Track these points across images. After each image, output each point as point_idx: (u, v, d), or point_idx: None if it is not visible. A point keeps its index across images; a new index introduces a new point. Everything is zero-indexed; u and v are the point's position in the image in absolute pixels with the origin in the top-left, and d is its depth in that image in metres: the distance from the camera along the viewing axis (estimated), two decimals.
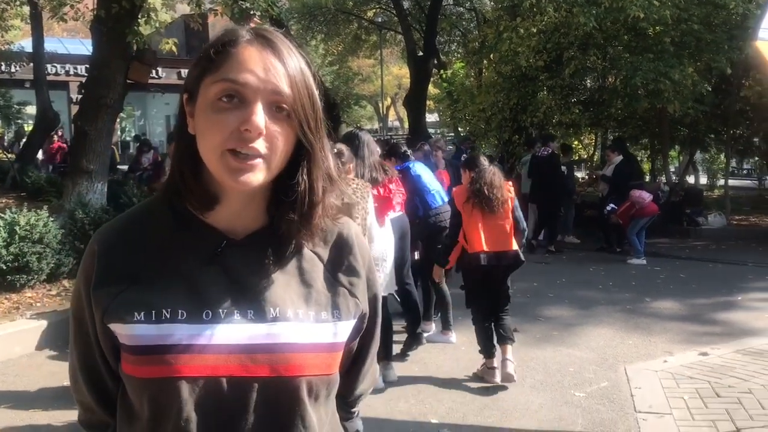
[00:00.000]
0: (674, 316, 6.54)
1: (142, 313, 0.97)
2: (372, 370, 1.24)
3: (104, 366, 1.05)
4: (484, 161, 4.94)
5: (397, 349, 5.03)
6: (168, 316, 0.97)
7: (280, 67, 0.95)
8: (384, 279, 4.52)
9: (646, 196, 9.47)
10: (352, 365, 1.18)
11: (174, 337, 0.96)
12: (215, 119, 0.94)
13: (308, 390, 1.01)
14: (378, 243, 4.48)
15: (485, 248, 4.56)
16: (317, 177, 1.01)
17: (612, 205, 9.85)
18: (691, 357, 5.17)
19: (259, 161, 0.94)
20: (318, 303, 1.04)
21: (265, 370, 0.97)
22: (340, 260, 1.10)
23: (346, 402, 1.22)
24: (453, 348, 5.46)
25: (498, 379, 4.56)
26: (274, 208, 1.03)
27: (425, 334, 5.55)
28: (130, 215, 1.09)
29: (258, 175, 0.95)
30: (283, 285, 1.03)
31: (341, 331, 1.05)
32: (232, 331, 0.98)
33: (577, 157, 20.55)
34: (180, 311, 0.97)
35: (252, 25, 1.08)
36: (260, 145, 0.93)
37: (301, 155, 1.00)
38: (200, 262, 1.01)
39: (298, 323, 1.01)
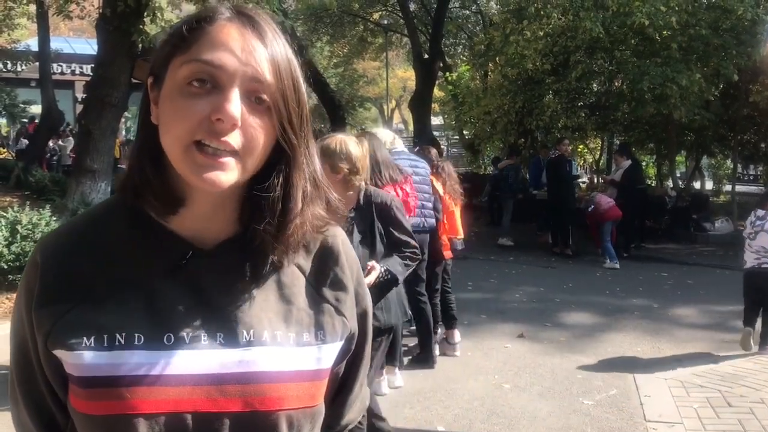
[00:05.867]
0: (683, 323, 6.46)
1: (92, 338, 0.82)
2: (361, 396, 1.07)
3: (51, 397, 0.89)
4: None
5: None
6: (122, 342, 0.82)
7: (263, 51, 0.82)
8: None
9: (605, 202, 9.79)
10: (338, 392, 1.01)
11: (129, 366, 0.81)
12: (182, 105, 0.79)
13: (288, 426, 0.87)
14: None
15: None
16: (297, 183, 0.87)
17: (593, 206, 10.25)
18: (701, 365, 5.09)
19: (230, 159, 0.80)
20: (299, 323, 0.90)
21: (238, 405, 0.83)
22: (325, 273, 0.95)
23: None
24: (461, 354, 5.38)
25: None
26: (247, 216, 0.88)
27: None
28: (80, 220, 0.93)
29: (228, 175, 0.80)
30: (258, 303, 0.88)
31: (326, 355, 0.91)
32: (198, 359, 0.83)
33: (582, 162, 20.53)
34: (137, 335, 0.82)
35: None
36: (234, 138, 0.79)
37: (281, 156, 0.86)
38: (162, 275, 0.86)
39: (277, 347, 0.86)
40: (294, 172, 0.87)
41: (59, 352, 0.84)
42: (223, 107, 0.78)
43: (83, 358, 0.82)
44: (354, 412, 1.06)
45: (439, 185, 5.27)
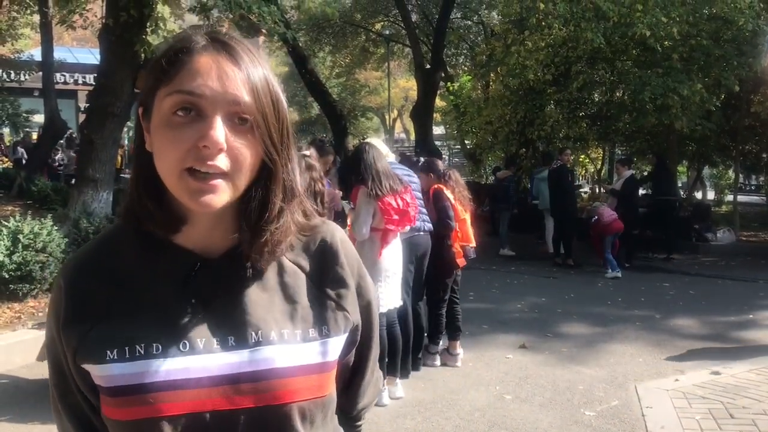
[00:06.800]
0: (685, 333, 6.44)
1: (115, 351, 0.90)
2: (374, 381, 1.15)
3: (87, 405, 0.98)
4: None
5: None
6: (142, 352, 0.90)
7: (239, 74, 0.88)
8: (389, 293, 4.44)
9: (607, 214, 9.82)
10: (351, 379, 1.10)
11: (150, 374, 0.89)
12: (171, 136, 0.86)
13: (301, 416, 0.94)
14: (387, 256, 4.41)
15: None
16: (275, 192, 0.92)
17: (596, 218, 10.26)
18: (702, 376, 5.06)
19: (220, 181, 0.86)
20: (304, 320, 0.97)
21: (252, 401, 0.91)
22: (325, 270, 1.02)
23: (349, 417, 1.14)
24: (462, 364, 5.36)
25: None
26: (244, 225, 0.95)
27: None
28: (95, 244, 1.01)
29: (221, 196, 0.87)
30: (264, 304, 0.95)
31: (332, 348, 0.98)
32: (212, 362, 0.91)
33: (584, 171, 20.53)
34: (155, 345, 0.90)
35: (224, 26, 0.97)
36: (221, 161, 0.85)
37: (263, 168, 0.92)
38: (173, 288, 0.93)
39: (284, 345, 0.93)
40: (272, 183, 0.92)
41: (87, 366, 0.92)
42: (208, 135, 0.84)
43: (108, 369, 0.90)
44: (368, 397, 1.15)
45: (449, 193, 5.28)
